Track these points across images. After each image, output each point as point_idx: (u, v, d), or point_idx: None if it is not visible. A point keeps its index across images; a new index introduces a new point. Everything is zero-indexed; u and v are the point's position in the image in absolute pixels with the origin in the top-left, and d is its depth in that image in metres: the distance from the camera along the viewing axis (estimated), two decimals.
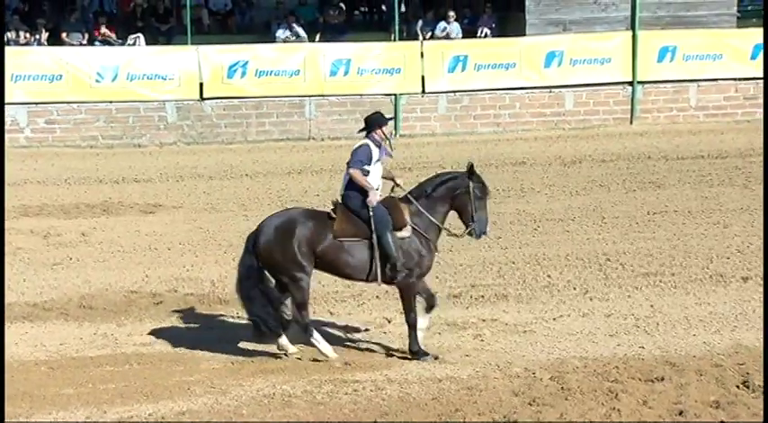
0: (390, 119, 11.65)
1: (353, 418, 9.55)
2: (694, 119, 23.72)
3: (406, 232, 11.04)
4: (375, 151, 11.17)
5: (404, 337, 11.57)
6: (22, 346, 11.52)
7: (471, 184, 11.12)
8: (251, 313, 11.04)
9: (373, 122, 11.30)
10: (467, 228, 11.24)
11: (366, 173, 11.06)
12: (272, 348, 11.18)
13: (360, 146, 11.21)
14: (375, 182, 11.16)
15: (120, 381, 10.52)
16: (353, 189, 11.09)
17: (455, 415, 9.52)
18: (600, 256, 14.67)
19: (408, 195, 11.22)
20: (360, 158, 11.07)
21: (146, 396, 10.12)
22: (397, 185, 11.39)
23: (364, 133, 11.31)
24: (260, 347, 11.32)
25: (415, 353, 11.07)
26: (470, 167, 11.15)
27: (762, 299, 12.50)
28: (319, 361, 10.92)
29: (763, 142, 20.18)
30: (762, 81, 23.04)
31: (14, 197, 18.10)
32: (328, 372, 10.71)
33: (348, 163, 11.11)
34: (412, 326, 11.10)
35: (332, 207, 11.18)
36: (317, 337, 10.97)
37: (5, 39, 22.41)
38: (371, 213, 10.93)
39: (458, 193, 11.15)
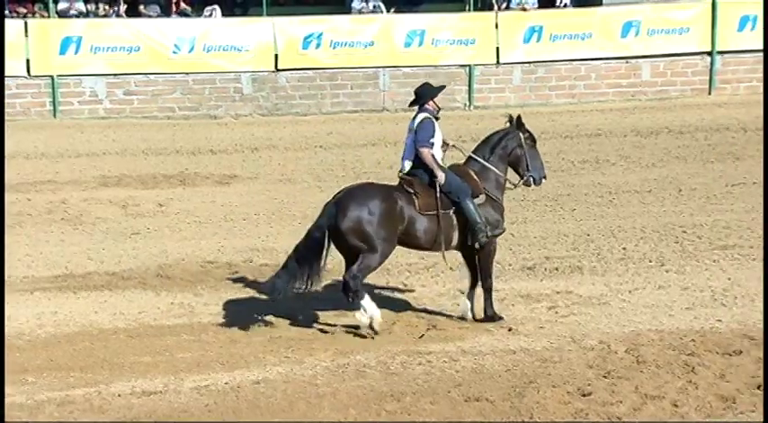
0: (441, 88, 11.53)
1: (427, 388, 9.58)
2: None
3: (481, 198, 11.16)
4: (436, 124, 11.19)
5: (477, 309, 11.60)
6: (102, 315, 11.72)
7: (521, 135, 11.41)
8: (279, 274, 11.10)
9: (425, 94, 11.28)
10: (522, 178, 11.51)
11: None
12: (347, 320, 11.25)
13: (423, 120, 11.17)
14: (438, 154, 11.19)
15: (197, 350, 10.66)
16: (420, 166, 11.11)
17: (529, 387, 9.51)
18: (676, 228, 14.52)
19: (474, 155, 11.35)
20: (428, 136, 11.10)
21: (222, 365, 10.25)
22: (452, 146, 11.47)
23: (417, 107, 11.28)
24: (334, 318, 11.41)
25: (491, 317, 11.19)
26: (518, 119, 11.42)
27: None
28: (392, 332, 10.99)
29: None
30: None
31: (93, 168, 18.38)
32: (402, 343, 10.75)
33: (416, 140, 11.11)
34: (489, 290, 11.26)
35: (401, 181, 11.18)
36: (366, 305, 10.92)
37: (85, 10, 22.72)
38: (443, 189, 10.97)
39: (513, 148, 11.40)
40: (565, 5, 23.70)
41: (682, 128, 20.78)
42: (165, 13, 23.11)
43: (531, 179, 11.46)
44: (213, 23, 22.72)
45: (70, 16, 22.45)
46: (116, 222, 15.51)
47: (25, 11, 22.60)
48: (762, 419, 8.88)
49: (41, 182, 17.33)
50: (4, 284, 12.15)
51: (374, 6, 23.41)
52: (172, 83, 22.33)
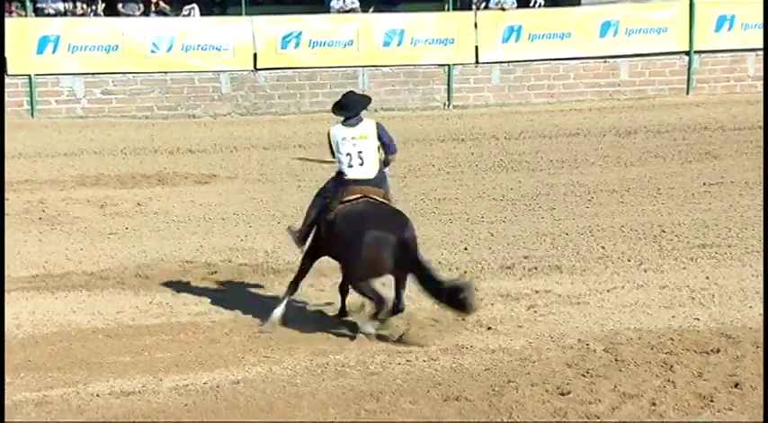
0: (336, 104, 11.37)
1: (406, 387, 9.58)
2: (752, 89, 23.39)
3: None
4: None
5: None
6: (80, 314, 11.67)
7: None
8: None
9: None
10: None
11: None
12: (326, 319, 11.26)
13: None
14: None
15: (176, 349, 10.62)
16: None
17: (508, 386, 9.52)
18: (655, 227, 14.57)
19: None
20: None
21: (201, 365, 10.22)
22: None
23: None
24: (313, 318, 11.40)
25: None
26: None
27: None
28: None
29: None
30: None
31: (71, 167, 18.31)
32: (381, 342, 10.75)
33: None
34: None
35: None
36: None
37: (63, 9, 22.64)
38: None
39: None
40: (539, 5, 23.76)
41: (660, 127, 20.87)
42: (144, 12, 23.05)
43: None
44: (192, 22, 22.68)
45: (48, 15, 22.37)
46: (94, 222, 15.45)
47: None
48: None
49: (19, 181, 17.25)
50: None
51: (352, 4, 23.39)
52: (150, 82, 22.28)
